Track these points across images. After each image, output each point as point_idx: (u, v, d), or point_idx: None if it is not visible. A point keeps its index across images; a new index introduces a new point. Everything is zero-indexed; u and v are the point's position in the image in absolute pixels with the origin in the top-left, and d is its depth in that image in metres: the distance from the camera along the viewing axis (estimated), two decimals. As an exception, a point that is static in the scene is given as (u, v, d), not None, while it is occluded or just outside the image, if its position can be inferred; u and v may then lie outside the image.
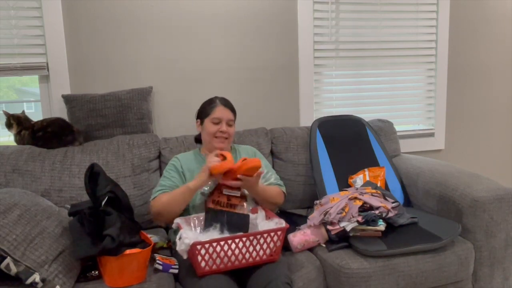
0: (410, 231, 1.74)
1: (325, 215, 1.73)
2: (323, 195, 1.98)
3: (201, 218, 1.60)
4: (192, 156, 1.86)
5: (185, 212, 1.71)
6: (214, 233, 1.50)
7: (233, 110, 1.84)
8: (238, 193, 1.62)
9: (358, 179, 2.09)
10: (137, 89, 2.20)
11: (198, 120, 1.86)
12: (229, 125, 1.80)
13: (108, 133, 2.13)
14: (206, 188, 1.71)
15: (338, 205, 1.74)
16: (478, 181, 1.87)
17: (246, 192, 1.68)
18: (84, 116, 2.10)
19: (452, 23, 2.79)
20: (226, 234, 1.51)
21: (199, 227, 1.59)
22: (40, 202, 1.56)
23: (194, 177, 1.66)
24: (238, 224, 1.54)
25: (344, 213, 1.70)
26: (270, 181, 1.85)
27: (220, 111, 1.78)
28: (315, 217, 1.77)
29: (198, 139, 1.99)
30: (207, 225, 1.55)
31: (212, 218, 1.56)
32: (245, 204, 1.60)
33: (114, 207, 1.52)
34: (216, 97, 1.85)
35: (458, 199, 1.84)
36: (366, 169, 2.13)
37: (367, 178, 2.09)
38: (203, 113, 1.83)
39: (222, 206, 1.57)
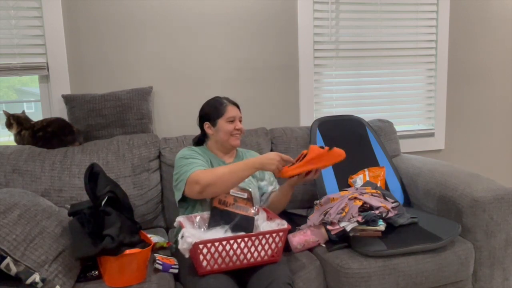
0: (410, 231, 1.75)
1: (325, 215, 1.73)
2: (323, 195, 1.98)
3: (205, 217, 1.60)
4: (201, 151, 1.82)
5: (192, 210, 1.71)
6: (217, 233, 1.50)
7: (239, 107, 1.87)
8: (244, 195, 1.62)
9: (358, 179, 2.09)
10: (137, 89, 2.20)
11: (207, 122, 1.82)
12: (240, 121, 1.83)
13: (108, 133, 2.13)
14: None
15: (338, 205, 1.74)
16: (478, 181, 1.87)
17: (252, 194, 1.68)
18: (84, 116, 2.10)
19: (452, 23, 2.79)
20: (230, 235, 1.51)
21: (202, 226, 1.58)
22: (40, 202, 1.56)
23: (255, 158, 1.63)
24: (243, 226, 1.54)
25: (344, 213, 1.70)
26: (273, 187, 1.89)
27: (232, 110, 1.80)
28: (315, 217, 1.77)
29: (198, 142, 1.93)
30: (211, 224, 1.55)
31: (217, 217, 1.56)
32: (251, 206, 1.60)
33: (114, 207, 1.52)
34: (220, 97, 1.85)
35: (458, 199, 1.84)
36: (366, 169, 2.14)
37: (367, 178, 2.09)
38: (214, 114, 1.80)
39: (228, 206, 1.57)
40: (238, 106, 1.86)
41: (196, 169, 1.64)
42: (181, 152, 1.77)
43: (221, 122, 1.78)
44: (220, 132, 1.79)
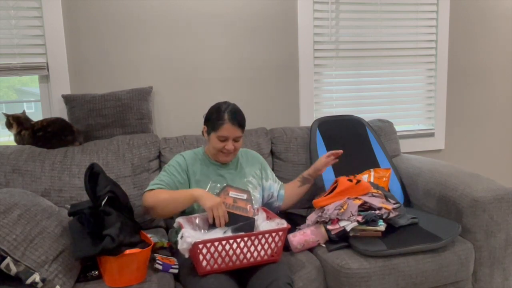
0: (410, 231, 1.75)
1: (322, 212, 1.74)
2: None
3: (205, 218, 1.60)
4: (196, 156, 1.80)
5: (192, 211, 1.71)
6: (217, 234, 1.49)
7: (241, 126, 1.72)
8: (244, 196, 1.62)
9: (364, 179, 2.08)
10: (137, 89, 2.20)
11: (205, 126, 1.77)
12: (236, 141, 1.73)
13: (108, 133, 2.13)
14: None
15: (336, 202, 1.75)
16: (478, 181, 1.87)
17: (252, 195, 1.68)
18: (84, 116, 2.10)
19: (452, 23, 2.79)
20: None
21: (202, 227, 1.58)
22: (40, 202, 1.56)
23: (202, 187, 1.67)
24: (243, 227, 1.54)
25: (342, 210, 1.69)
26: (278, 183, 1.92)
27: (227, 130, 1.67)
28: (312, 215, 1.78)
29: None
30: (211, 225, 1.55)
31: None
32: (250, 207, 1.60)
33: (114, 207, 1.52)
34: (225, 110, 1.70)
35: (458, 199, 1.84)
36: (372, 170, 2.13)
37: (372, 179, 2.09)
38: (210, 124, 1.73)
39: (228, 208, 1.57)
40: (240, 125, 1.71)
41: (152, 187, 1.66)
42: (171, 159, 1.79)
43: (213, 136, 1.71)
44: (210, 144, 1.75)
